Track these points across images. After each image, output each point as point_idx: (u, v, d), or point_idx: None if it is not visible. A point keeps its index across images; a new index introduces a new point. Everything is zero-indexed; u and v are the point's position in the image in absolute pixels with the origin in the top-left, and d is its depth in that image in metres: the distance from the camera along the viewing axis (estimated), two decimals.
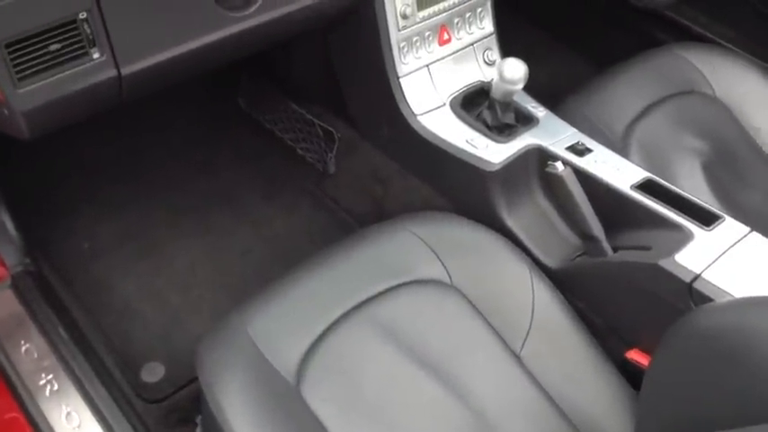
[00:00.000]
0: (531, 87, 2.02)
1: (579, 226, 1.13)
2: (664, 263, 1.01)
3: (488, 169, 1.19)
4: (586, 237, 1.13)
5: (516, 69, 1.17)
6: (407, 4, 1.21)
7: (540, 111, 1.28)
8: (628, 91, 1.47)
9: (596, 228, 1.11)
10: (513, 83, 1.18)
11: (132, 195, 1.46)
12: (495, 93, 1.22)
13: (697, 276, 0.99)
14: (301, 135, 1.50)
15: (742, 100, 1.51)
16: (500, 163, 1.19)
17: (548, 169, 1.13)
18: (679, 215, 1.07)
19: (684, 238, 1.04)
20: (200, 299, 1.33)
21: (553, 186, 1.16)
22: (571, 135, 1.23)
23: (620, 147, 1.37)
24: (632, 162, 1.30)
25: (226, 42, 1.05)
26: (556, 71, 1.90)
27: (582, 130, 1.32)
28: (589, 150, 1.19)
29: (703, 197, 1.27)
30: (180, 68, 1.05)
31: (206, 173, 1.53)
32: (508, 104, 1.24)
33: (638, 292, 1.06)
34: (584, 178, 1.14)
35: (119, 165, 1.51)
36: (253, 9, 1.04)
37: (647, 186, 1.12)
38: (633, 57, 1.54)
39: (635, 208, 1.11)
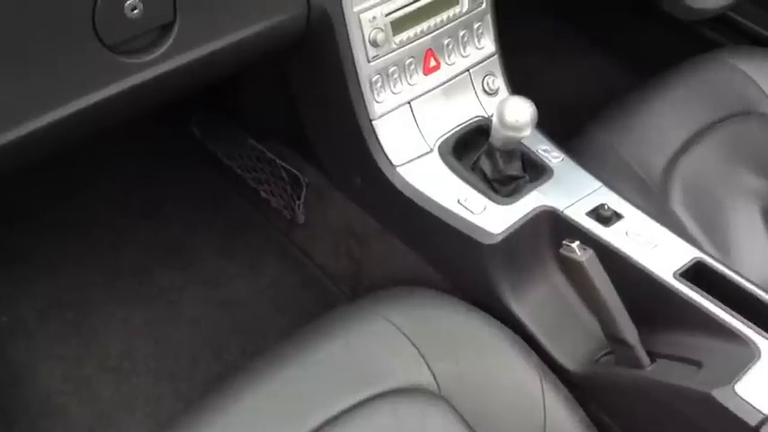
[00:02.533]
0: (548, 98, 1.72)
1: (606, 325, 0.87)
2: (719, 394, 0.74)
3: (487, 241, 0.91)
4: (615, 340, 0.86)
5: (521, 112, 0.89)
6: (379, 28, 0.92)
7: (553, 156, 1.00)
8: (667, 116, 1.17)
9: (628, 331, 0.84)
10: (517, 129, 0.90)
11: (60, 253, 1.22)
12: (495, 139, 0.94)
13: (766, 420, 0.72)
14: (264, 176, 1.24)
15: None
16: (502, 233, 0.91)
17: (563, 251, 0.85)
18: (741, 321, 0.79)
19: (749, 355, 0.76)
20: (137, 390, 1.09)
21: (571, 272, 0.88)
22: (594, 192, 0.95)
23: (659, 191, 1.09)
24: (675, 210, 1.04)
25: (129, 96, 0.79)
26: (579, 75, 1.61)
27: (609, 171, 1.05)
28: (618, 217, 0.91)
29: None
30: (65, 135, 0.79)
31: (151, 220, 1.28)
32: (512, 152, 0.97)
33: (682, 423, 0.80)
34: (612, 259, 0.87)
35: (45, 214, 1.26)
36: (160, 52, 0.77)
37: (696, 273, 0.84)
38: (672, 67, 1.25)
39: (680, 304, 0.83)
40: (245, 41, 0.83)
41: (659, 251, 0.86)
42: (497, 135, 0.93)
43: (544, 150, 1.00)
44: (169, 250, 1.25)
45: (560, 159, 0.99)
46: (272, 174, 1.21)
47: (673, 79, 1.21)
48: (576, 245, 0.84)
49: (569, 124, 1.25)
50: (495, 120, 0.92)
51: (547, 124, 1.07)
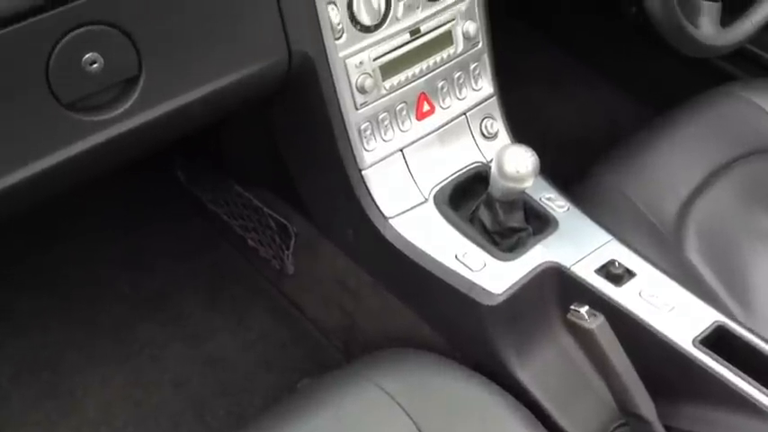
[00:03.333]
0: (551, 133, 1.63)
1: (619, 397, 0.79)
2: None
3: (487, 302, 0.84)
4: (630, 413, 0.79)
5: (521, 162, 0.82)
6: (367, 74, 0.85)
7: (558, 205, 0.92)
8: (678, 156, 1.10)
9: (644, 405, 0.76)
10: (518, 180, 0.83)
11: (36, 309, 1.15)
12: (495, 189, 0.87)
13: None
14: (251, 223, 1.17)
15: None
16: (503, 293, 0.84)
17: (571, 317, 0.78)
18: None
19: None
20: None
21: (580, 338, 0.81)
22: (604, 246, 0.87)
23: (673, 238, 1.01)
24: (690, 259, 0.96)
25: (94, 154, 0.72)
26: (583, 107, 1.54)
27: (619, 218, 0.98)
28: (630, 274, 0.84)
29: None
30: (28, 196, 0.72)
31: (134, 271, 1.21)
32: (513, 202, 0.90)
33: None
34: (625, 323, 0.80)
35: (20, 268, 1.19)
36: (124, 108, 0.70)
37: (718, 339, 0.77)
38: (681, 101, 1.18)
39: (701, 374, 0.75)
40: (220, 92, 0.77)
41: (676, 314, 0.79)
42: (497, 185, 0.86)
43: (548, 199, 0.93)
44: (152, 304, 1.17)
45: (566, 209, 0.92)
46: (259, 222, 1.14)
47: (683, 116, 1.14)
48: (584, 310, 0.76)
49: (574, 160, 1.19)
50: (493, 170, 0.85)
51: (550, 162, 1.00)
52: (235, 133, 1.09)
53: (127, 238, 1.24)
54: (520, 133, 1.09)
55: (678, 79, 1.35)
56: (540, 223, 0.90)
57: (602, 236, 0.89)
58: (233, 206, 1.19)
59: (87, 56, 0.66)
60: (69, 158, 0.71)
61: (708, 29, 0.92)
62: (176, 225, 1.25)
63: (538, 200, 0.92)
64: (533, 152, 0.83)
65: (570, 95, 1.55)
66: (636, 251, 0.87)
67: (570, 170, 1.10)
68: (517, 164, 0.82)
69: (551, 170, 1.02)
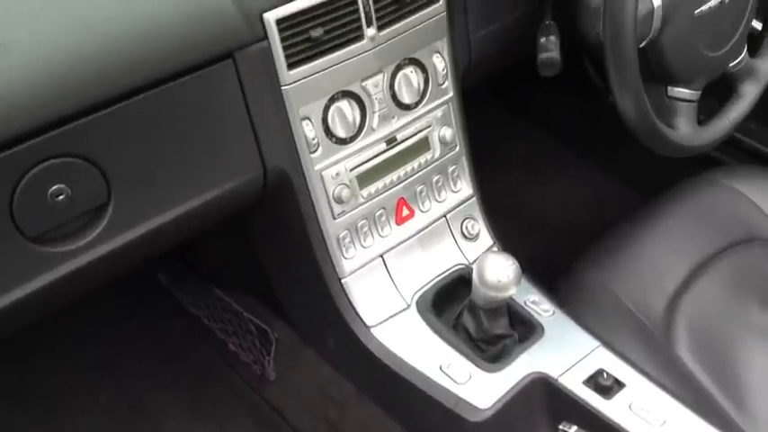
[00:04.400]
0: (535, 219, 1.61)
1: None
2: None
3: (473, 418, 0.80)
4: None
5: (503, 272, 0.80)
6: (344, 184, 0.84)
7: (543, 309, 0.90)
8: (663, 250, 1.08)
9: None
10: (500, 290, 0.81)
11: (6, 422, 1.11)
12: (477, 297, 0.85)
13: None
14: (231, 327, 1.15)
15: None
16: (490, 407, 0.80)
17: None
18: None
19: None
20: None
21: None
22: (592, 354, 0.84)
23: (662, 335, 0.99)
24: (681, 356, 0.94)
25: (64, 284, 0.70)
26: (566, 192, 1.54)
27: (606, 316, 0.96)
28: (620, 385, 0.81)
29: None
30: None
31: (113, 376, 1.17)
32: (497, 309, 0.88)
33: None
34: None
35: None
36: (92, 237, 0.68)
37: None
38: (667, 187, 1.17)
39: None
40: (194, 212, 0.75)
41: (669, 429, 0.76)
42: (479, 294, 0.84)
43: (533, 302, 0.91)
44: (132, 411, 1.13)
45: (551, 313, 0.90)
46: (239, 326, 1.12)
47: (666, 206, 1.13)
48: (574, 431, 0.74)
49: (560, 247, 1.17)
50: (475, 278, 0.83)
51: (536, 251, 0.99)
52: (213, 241, 1.07)
53: (107, 339, 1.20)
54: (504, 222, 1.08)
55: (661, 161, 1.35)
56: (525, 329, 0.88)
57: (589, 342, 0.86)
58: (213, 309, 1.16)
59: (53, 188, 0.64)
60: (36, 291, 0.68)
61: (685, 129, 0.92)
62: (157, 328, 1.22)
63: (522, 304, 0.90)
64: (514, 260, 0.82)
65: (553, 180, 1.55)
66: (624, 358, 0.84)
67: (556, 259, 1.08)
68: (498, 273, 0.81)
69: (537, 259, 1.00)
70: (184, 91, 0.70)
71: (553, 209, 1.50)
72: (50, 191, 0.64)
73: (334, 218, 0.86)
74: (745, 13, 0.92)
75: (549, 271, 1.03)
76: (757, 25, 1.10)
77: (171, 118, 0.70)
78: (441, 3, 0.85)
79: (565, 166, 1.57)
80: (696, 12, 0.82)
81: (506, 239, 1.01)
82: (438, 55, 0.88)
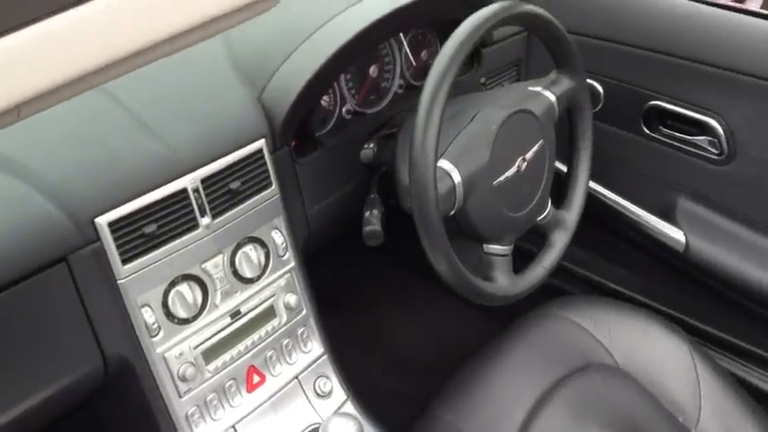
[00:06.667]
0: (405, 353, 1.63)
1: None
2: None
3: None
4: None
5: None
6: (189, 362, 0.87)
7: None
8: (509, 385, 1.15)
9: None
10: None
11: None
12: None
13: None
14: None
15: (648, 366, 1.24)
16: None
17: None
18: None
19: None
20: None
21: None
22: None
23: None
24: None
25: None
26: (434, 325, 1.61)
27: None
28: None
29: None
30: None
31: None
32: None
33: None
34: None
35: None
36: None
37: None
38: (509, 327, 1.26)
39: None
40: (31, 410, 0.75)
41: None
42: None
43: None
44: None
45: None
46: None
47: (509, 343, 1.20)
48: None
49: (425, 380, 1.21)
50: None
51: (396, 387, 1.00)
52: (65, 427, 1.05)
53: None
54: (371, 357, 1.11)
55: None
56: None
57: None
58: None
59: None
60: None
61: (502, 280, 1.00)
62: None
63: None
64: (356, 421, 0.86)
65: (419, 313, 1.62)
66: None
67: (420, 393, 1.13)
68: None
69: (401, 396, 1.02)
70: (17, 297, 0.72)
71: (420, 342, 1.56)
72: None
73: (180, 396, 0.87)
74: (543, 176, 1.02)
75: (416, 403, 1.06)
76: (562, 167, 1.23)
77: (2, 323, 0.72)
78: (274, 187, 0.91)
79: (430, 299, 1.65)
80: (495, 182, 0.93)
81: (370, 379, 1.04)
82: (277, 231, 0.94)
